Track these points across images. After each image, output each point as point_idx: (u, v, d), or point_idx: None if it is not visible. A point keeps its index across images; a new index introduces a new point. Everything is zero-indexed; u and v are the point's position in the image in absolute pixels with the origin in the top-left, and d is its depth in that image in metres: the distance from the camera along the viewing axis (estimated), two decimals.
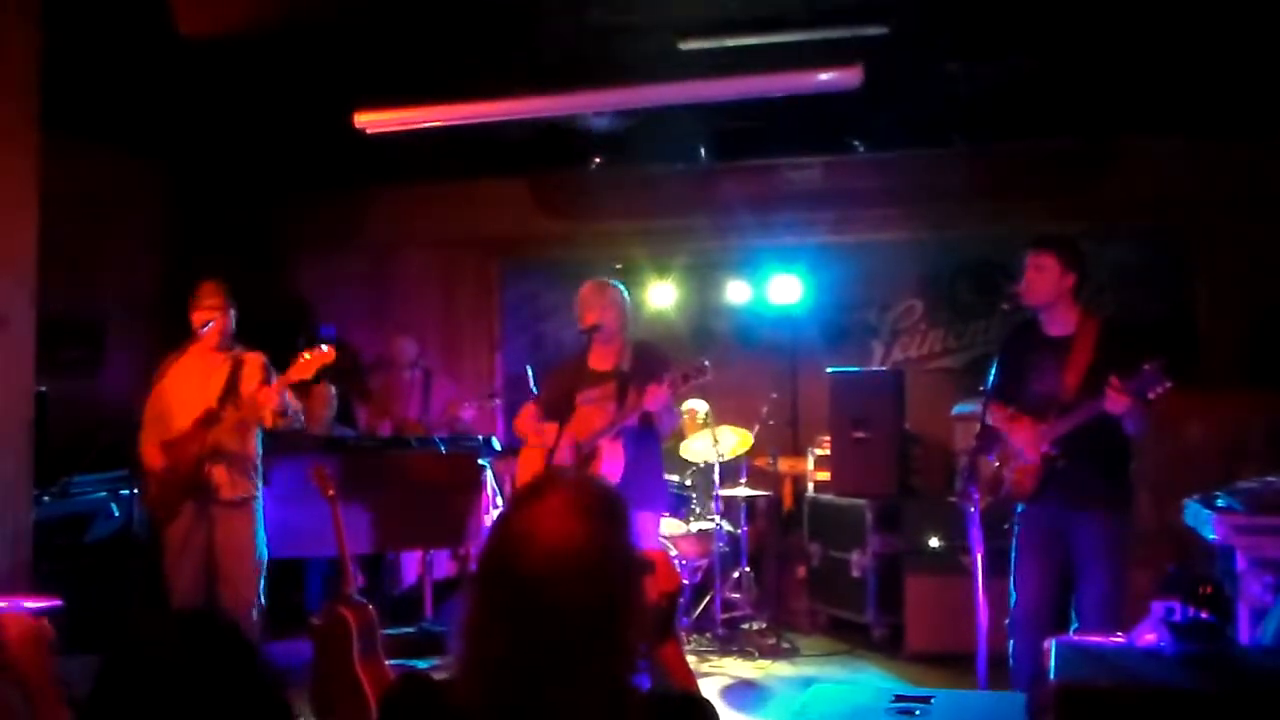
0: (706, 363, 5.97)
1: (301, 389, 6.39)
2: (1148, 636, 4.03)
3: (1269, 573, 4.78)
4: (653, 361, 6.18)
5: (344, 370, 8.54)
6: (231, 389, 6.16)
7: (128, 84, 7.43)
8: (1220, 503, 5.04)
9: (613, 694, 1.98)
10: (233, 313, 6.33)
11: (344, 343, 9.90)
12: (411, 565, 8.67)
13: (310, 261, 10.15)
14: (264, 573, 6.22)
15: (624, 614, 2.00)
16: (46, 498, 6.70)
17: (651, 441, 6.21)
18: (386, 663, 5.87)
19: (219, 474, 6.11)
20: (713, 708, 2.18)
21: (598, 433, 6.03)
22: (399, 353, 9.23)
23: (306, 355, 6.05)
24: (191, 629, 2.09)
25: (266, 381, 6.20)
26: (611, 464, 5.93)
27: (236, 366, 6.23)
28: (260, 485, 6.31)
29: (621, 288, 6.34)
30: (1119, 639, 4.22)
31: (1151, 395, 4.93)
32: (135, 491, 7.14)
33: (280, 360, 6.31)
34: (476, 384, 9.85)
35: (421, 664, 6.81)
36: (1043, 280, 5.40)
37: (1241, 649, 4.37)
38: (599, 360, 6.23)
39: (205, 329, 6.17)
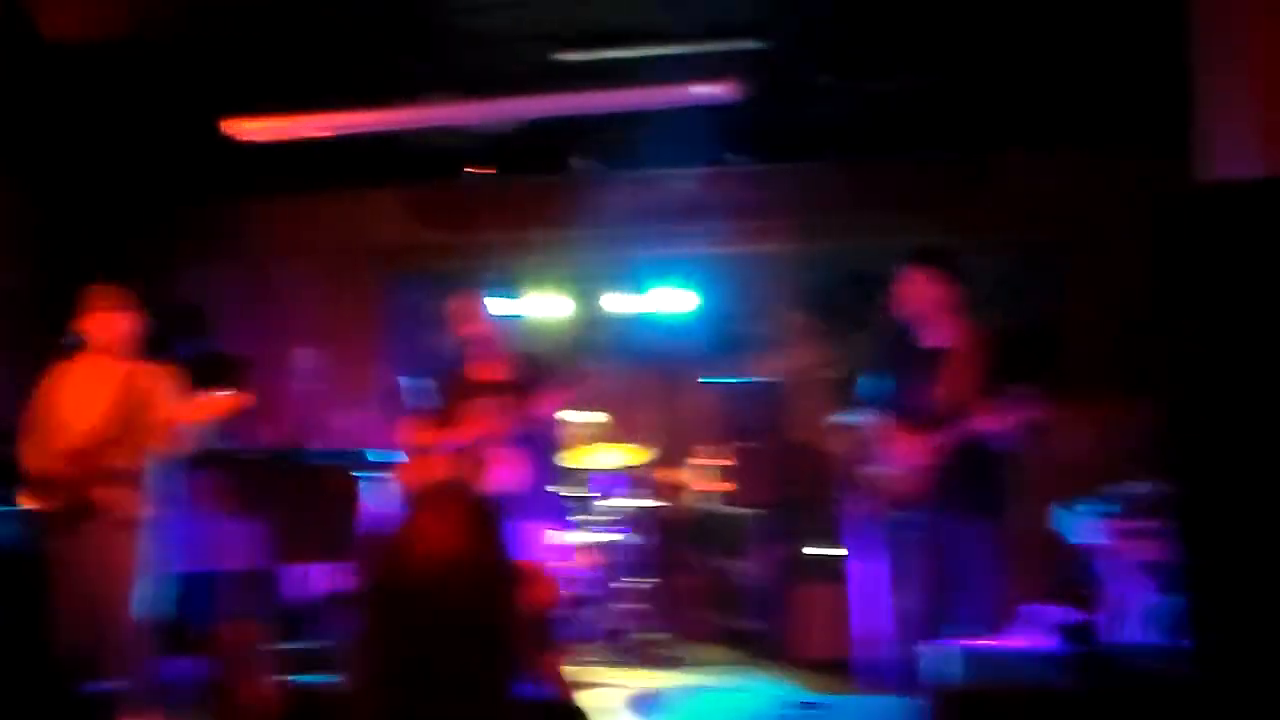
0: (591, 367, 6.01)
1: None
2: (1023, 638, 4.12)
3: (1141, 574, 4.90)
4: (539, 370, 6.21)
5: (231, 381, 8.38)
6: (129, 406, 6.00)
7: None
8: (1095, 508, 5.16)
9: (494, 702, 1.99)
10: (136, 322, 6.17)
11: (226, 354, 9.77)
12: (297, 579, 8.54)
13: (188, 273, 9.96)
14: (151, 594, 6.06)
15: (502, 624, 2.01)
16: None
17: (541, 452, 6.23)
18: (275, 678, 5.79)
19: (106, 492, 5.93)
20: (589, 717, 2.19)
21: (488, 440, 6.01)
22: (298, 363, 9.10)
23: (215, 396, 5.92)
24: None
25: (167, 398, 6.08)
26: (504, 474, 5.92)
27: (133, 378, 6.06)
28: (154, 506, 6.13)
29: (488, 297, 6.34)
30: (996, 642, 4.30)
31: (1017, 420, 5.06)
32: (10, 509, 6.93)
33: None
34: (358, 396, 9.75)
35: (310, 679, 6.71)
36: (910, 294, 5.51)
37: (1112, 647, 4.47)
38: (485, 372, 6.24)
39: (72, 341, 6.01)
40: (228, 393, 5.93)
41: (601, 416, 8.37)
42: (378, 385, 9.91)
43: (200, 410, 5.89)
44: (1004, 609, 5.19)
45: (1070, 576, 4.42)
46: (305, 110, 7.50)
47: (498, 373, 6.21)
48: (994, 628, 4.88)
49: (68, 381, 6.08)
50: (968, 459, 5.32)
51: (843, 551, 6.23)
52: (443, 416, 6.02)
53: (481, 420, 6.09)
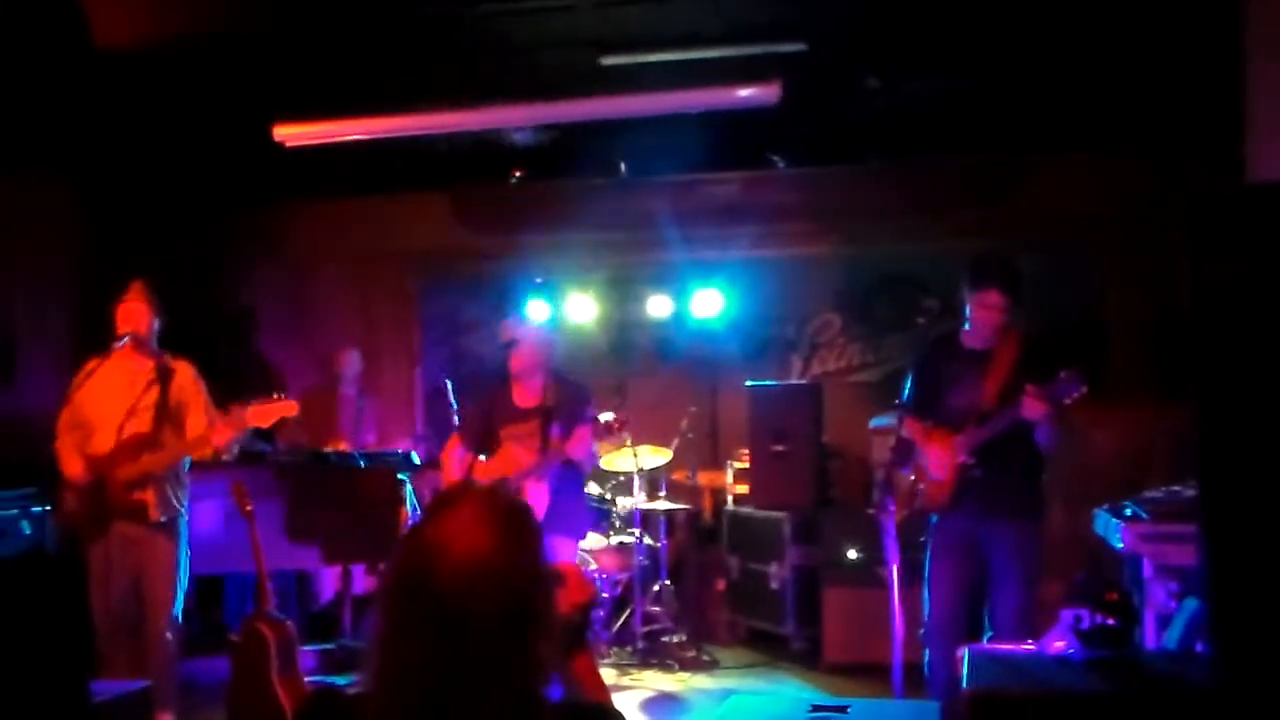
0: (627, 418, 6.10)
1: (217, 403, 6.26)
2: (1057, 643, 4.11)
3: (1173, 579, 4.87)
4: (574, 398, 6.28)
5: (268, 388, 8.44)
6: (164, 405, 6.03)
7: (42, 98, 7.32)
8: (1128, 512, 5.13)
9: (524, 705, 1.99)
10: (157, 318, 6.19)
11: (263, 357, 9.86)
12: (330, 581, 8.59)
13: (232, 276, 10.04)
14: (183, 593, 6.11)
15: (535, 625, 2.00)
16: None
17: (573, 478, 6.37)
18: (305, 679, 5.83)
19: (150, 496, 5.93)
20: (624, 718, 2.20)
21: (522, 474, 6.09)
22: (343, 366, 9.11)
23: (271, 403, 5.95)
24: None
25: (199, 396, 6.12)
26: (536, 502, 5.97)
27: (165, 376, 6.09)
28: (187, 503, 6.18)
29: (545, 328, 6.46)
30: (1030, 646, 4.29)
31: (1068, 401, 5.05)
32: (48, 508, 6.99)
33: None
34: (396, 399, 9.80)
35: (341, 680, 6.76)
36: (993, 319, 5.46)
37: (1146, 653, 4.45)
38: (521, 396, 6.32)
39: (121, 343, 6.03)
40: (276, 399, 5.96)
41: (635, 418, 8.36)
42: (417, 388, 9.98)
43: (250, 418, 5.91)
44: (1042, 612, 5.18)
45: (1107, 580, 4.40)
46: (350, 115, 7.55)
47: (539, 398, 6.27)
48: (1031, 632, 4.87)
49: (101, 381, 6.07)
50: (1007, 460, 5.31)
51: (878, 555, 6.22)
52: (485, 438, 6.11)
53: (519, 448, 6.17)
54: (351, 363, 9.10)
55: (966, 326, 5.58)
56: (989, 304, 5.44)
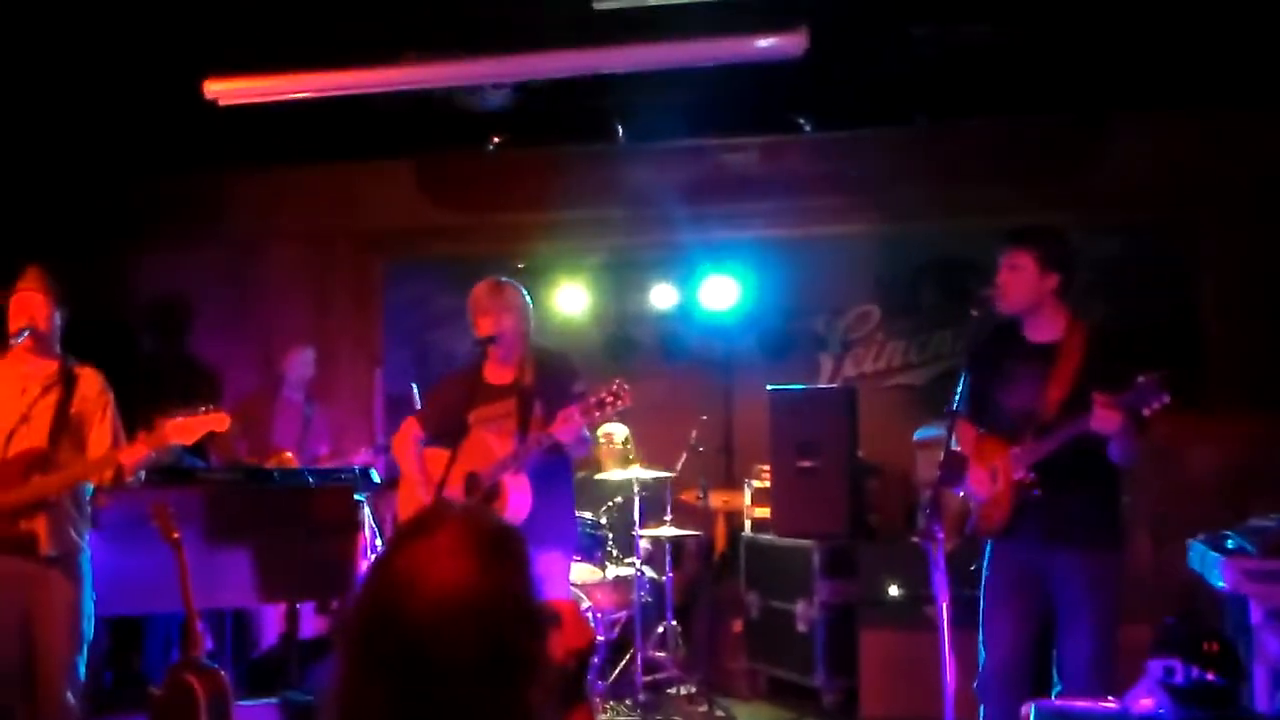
0: (625, 385, 5.89)
1: (140, 414, 6.16)
2: (1144, 701, 4.07)
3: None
4: (559, 375, 6.11)
5: (199, 391, 8.36)
6: (63, 416, 5.92)
7: None
8: (1230, 544, 5.08)
9: None
10: (58, 311, 6.04)
11: (196, 356, 9.83)
12: (273, 623, 8.55)
13: (159, 258, 10.03)
14: (89, 639, 5.99)
15: (524, 672, 1.99)
16: None
17: (560, 469, 6.13)
18: None
19: (40, 526, 5.75)
20: None
21: (498, 465, 5.93)
22: (292, 366, 9.04)
23: (195, 416, 5.84)
24: None
25: (106, 410, 6.01)
26: (518, 502, 5.84)
27: (68, 382, 5.98)
28: (87, 531, 6.06)
29: (521, 289, 6.27)
30: (1110, 704, 4.24)
31: (1147, 411, 4.95)
32: None
33: (117, 375, 6.15)
34: (353, 406, 9.77)
35: None
36: (1018, 282, 5.41)
37: (1253, 715, 4.40)
38: (496, 373, 6.16)
39: (18, 340, 5.90)
40: (202, 412, 5.87)
41: (635, 429, 8.34)
42: (377, 391, 9.96)
43: (171, 432, 5.81)
44: (1124, 662, 5.12)
45: (1204, 626, 4.34)
46: (296, 69, 7.51)
47: (516, 374, 6.13)
48: (1109, 686, 4.83)
49: None
50: (1077, 475, 5.24)
51: (925, 591, 6.18)
52: (451, 425, 5.97)
53: (493, 436, 6.04)
54: (299, 364, 9.04)
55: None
56: (1012, 263, 5.42)
